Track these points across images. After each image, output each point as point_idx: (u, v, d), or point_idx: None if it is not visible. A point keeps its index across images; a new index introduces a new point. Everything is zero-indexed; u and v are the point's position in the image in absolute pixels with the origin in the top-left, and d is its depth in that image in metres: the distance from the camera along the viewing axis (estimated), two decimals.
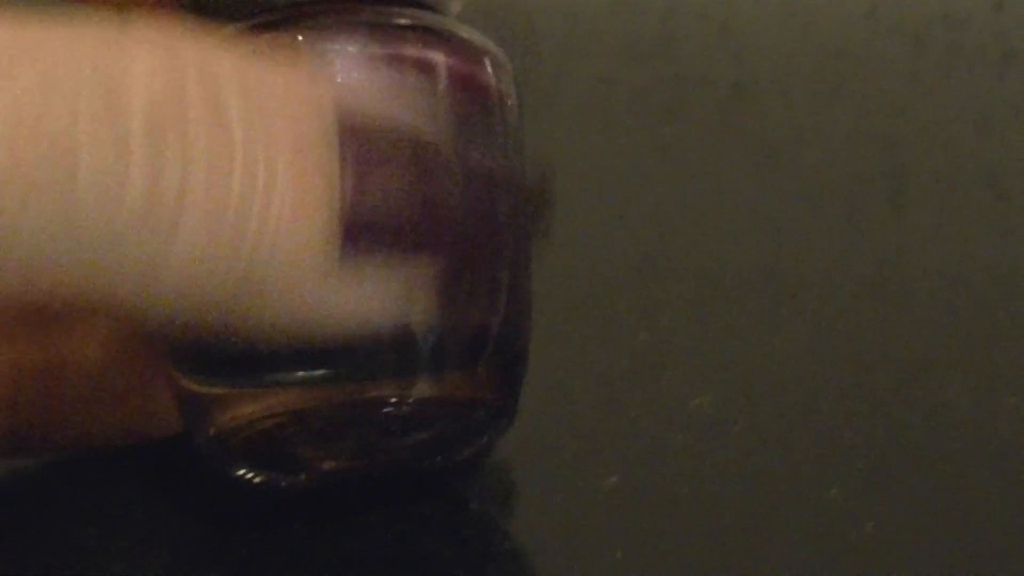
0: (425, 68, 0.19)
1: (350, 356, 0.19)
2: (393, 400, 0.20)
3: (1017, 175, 0.35)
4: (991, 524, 0.23)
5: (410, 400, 0.20)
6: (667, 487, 0.24)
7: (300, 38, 0.19)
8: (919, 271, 0.31)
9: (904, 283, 0.30)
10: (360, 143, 0.16)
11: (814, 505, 0.24)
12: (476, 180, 0.20)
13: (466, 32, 0.21)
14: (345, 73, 0.18)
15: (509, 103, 0.21)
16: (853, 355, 0.28)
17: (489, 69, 0.21)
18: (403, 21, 0.20)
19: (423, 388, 0.20)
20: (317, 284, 0.15)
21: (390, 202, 0.17)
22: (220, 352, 0.19)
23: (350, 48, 0.19)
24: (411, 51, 0.19)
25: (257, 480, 0.22)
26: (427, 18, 0.20)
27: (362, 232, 0.16)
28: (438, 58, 0.20)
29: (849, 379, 0.27)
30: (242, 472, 0.21)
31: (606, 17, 0.41)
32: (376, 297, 0.16)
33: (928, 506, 0.24)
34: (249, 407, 0.20)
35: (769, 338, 0.28)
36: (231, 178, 0.14)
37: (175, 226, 0.14)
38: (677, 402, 0.26)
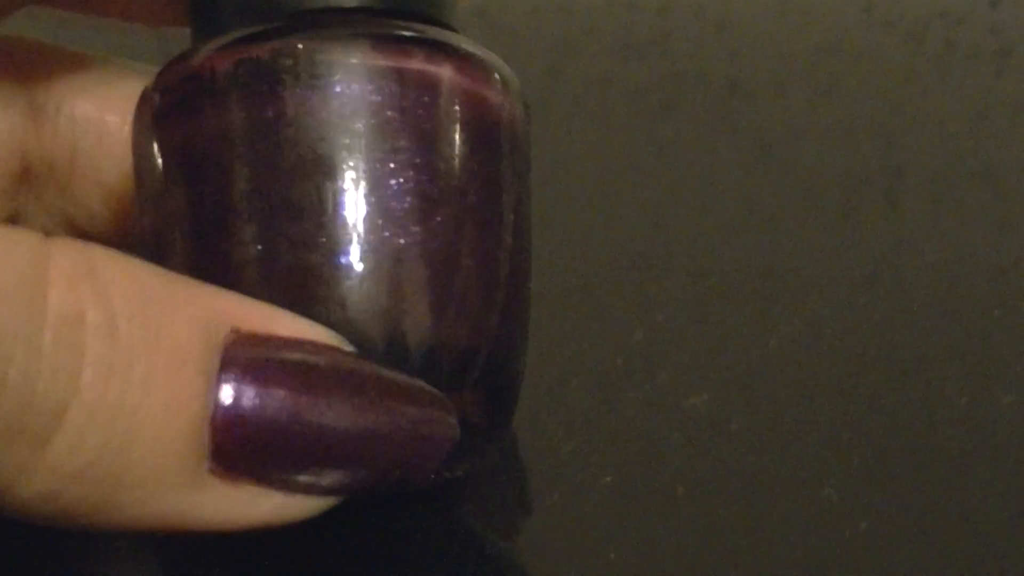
0: (429, 82, 0.19)
1: None
2: None
3: (1013, 171, 0.35)
4: (985, 523, 0.23)
5: None
6: (662, 486, 0.24)
7: (300, 47, 0.19)
8: (915, 268, 0.31)
9: (900, 280, 0.30)
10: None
11: (808, 504, 0.24)
12: (478, 199, 0.19)
13: (473, 47, 0.20)
14: (345, 85, 0.18)
15: (516, 120, 0.20)
16: (848, 353, 0.28)
17: (497, 85, 0.20)
18: (408, 34, 0.19)
19: None
20: (184, 489, 0.16)
21: (272, 419, 0.17)
22: None
23: (352, 60, 0.19)
24: (415, 64, 0.19)
25: None
26: (433, 32, 0.20)
27: (233, 448, 0.16)
28: (443, 72, 0.19)
29: (844, 377, 0.27)
30: None
31: (602, 15, 0.41)
32: (250, 506, 0.16)
33: (922, 505, 0.24)
34: None
35: (764, 336, 0.28)
36: (110, 379, 0.15)
37: (59, 419, 0.15)
38: (672, 401, 0.26)
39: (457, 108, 0.19)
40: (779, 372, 0.27)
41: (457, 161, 0.19)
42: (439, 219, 0.18)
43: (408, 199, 0.18)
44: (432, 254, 0.18)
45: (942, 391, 0.26)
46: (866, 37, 0.40)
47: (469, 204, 0.19)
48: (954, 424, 0.26)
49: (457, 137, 0.19)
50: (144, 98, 0.20)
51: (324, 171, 0.18)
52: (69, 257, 0.15)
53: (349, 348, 0.17)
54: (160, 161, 0.19)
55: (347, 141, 0.18)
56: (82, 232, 0.22)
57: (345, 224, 0.18)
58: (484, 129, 0.19)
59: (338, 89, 0.18)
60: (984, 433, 0.25)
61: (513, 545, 0.23)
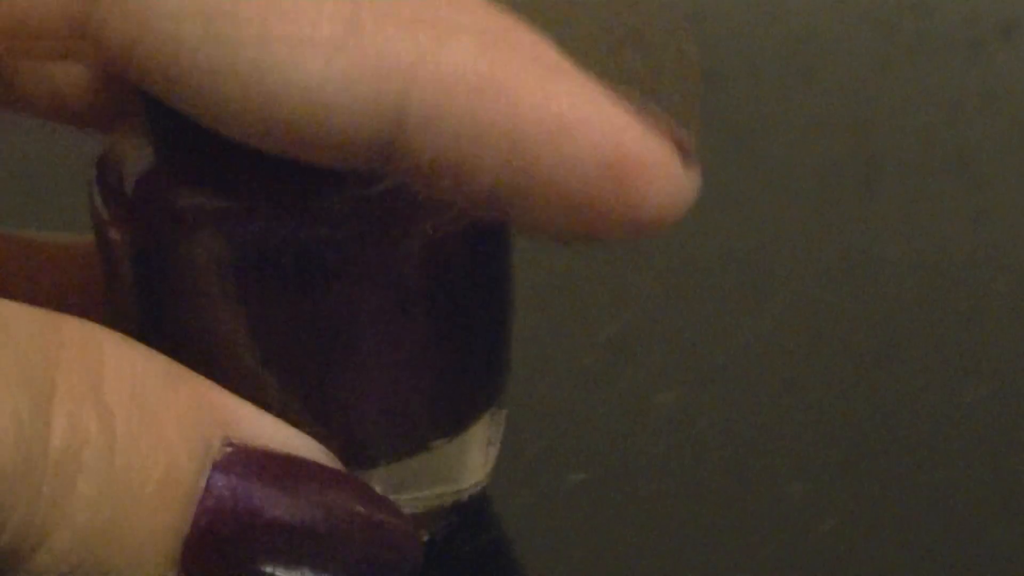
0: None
1: None
2: None
3: (987, 161, 0.35)
4: (953, 521, 0.23)
5: None
6: (632, 483, 0.24)
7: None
8: (889, 260, 0.31)
9: (872, 273, 0.30)
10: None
11: (776, 500, 0.24)
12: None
13: None
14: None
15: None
16: (818, 349, 0.28)
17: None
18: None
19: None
20: None
21: (249, 539, 0.17)
22: None
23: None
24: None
25: None
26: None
27: (205, 561, 0.16)
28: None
29: (814, 374, 0.27)
30: None
31: (576, 7, 0.41)
32: None
33: (889, 502, 0.24)
34: None
35: (735, 332, 0.28)
36: (101, 508, 0.15)
37: (44, 539, 0.15)
38: (642, 397, 0.26)
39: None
40: (749, 368, 0.27)
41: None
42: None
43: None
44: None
45: (913, 385, 0.26)
46: (839, 27, 0.40)
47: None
48: (924, 419, 0.26)
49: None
50: (105, 185, 0.20)
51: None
52: (77, 364, 0.15)
53: (334, 463, 0.18)
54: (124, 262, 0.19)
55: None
56: None
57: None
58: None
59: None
60: (954, 428, 0.25)
61: (484, 543, 0.23)
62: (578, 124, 0.16)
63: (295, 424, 0.18)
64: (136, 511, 0.15)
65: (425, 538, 0.21)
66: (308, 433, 0.18)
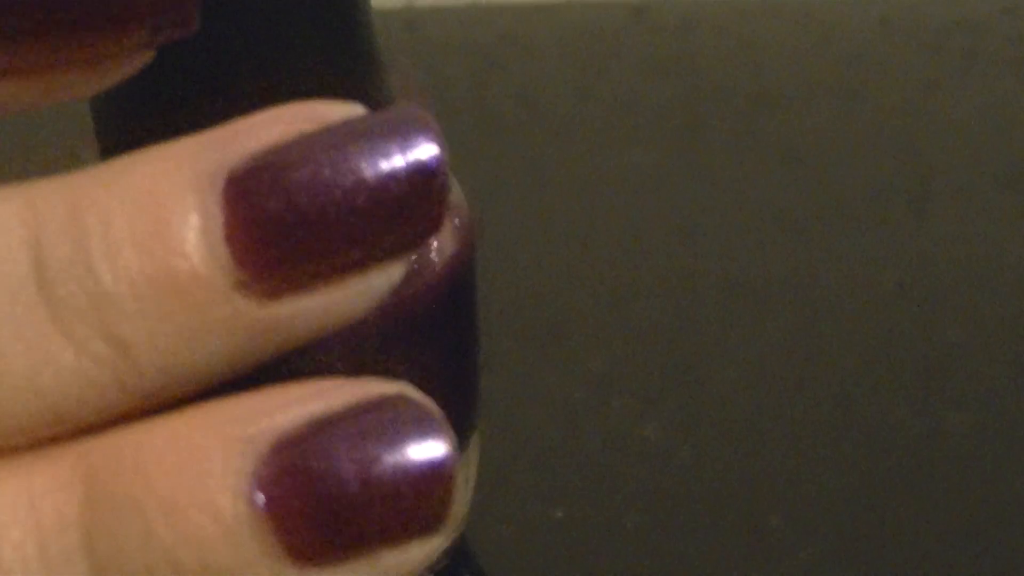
0: None
1: None
2: None
3: None
4: (928, 553, 0.23)
5: None
6: (612, 519, 0.24)
7: None
8: (855, 294, 0.30)
9: (851, 304, 0.30)
10: None
11: (754, 533, 0.24)
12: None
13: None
14: None
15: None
16: (795, 383, 0.28)
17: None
18: None
19: None
20: None
21: None
22: None
23: None
24: None
25: None
26: None
27: None
28: None
29: (791, 407, 0.27)
30: None
31: (628, 36, 0.42)
32: None
33: (865, 535, 0.24)
34: None
35: (717, 367, 0.28)
36: None
37: None
38: (624, 431, 0.26)
39: None
40: (728, 402, 0.27)
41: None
42: None
43: None
44: None
45: (890, 418, 0.27)
46: (886, 49, 0.40)
47: None
48: (901, 452, 0.26)
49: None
50: None
51: None
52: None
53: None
54: None
55: None
56: None
57: None
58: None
59: None
60: (931, 460, 0.25)
61: None
62: None
63: None
64: None
65: None
66: None
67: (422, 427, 0.15)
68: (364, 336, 0.19)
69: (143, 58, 0.16)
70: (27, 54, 0.15)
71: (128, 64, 0.16)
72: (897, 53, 0.39)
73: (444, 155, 0.16)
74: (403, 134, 0.15)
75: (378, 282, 0.15)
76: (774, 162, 0.36)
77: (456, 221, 0.21)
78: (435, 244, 0.20)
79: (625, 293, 0.30)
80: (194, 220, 0.14)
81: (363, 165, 0.15)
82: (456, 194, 0.21)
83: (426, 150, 0.15)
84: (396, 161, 0.15)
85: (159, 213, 0.14)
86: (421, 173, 0.15)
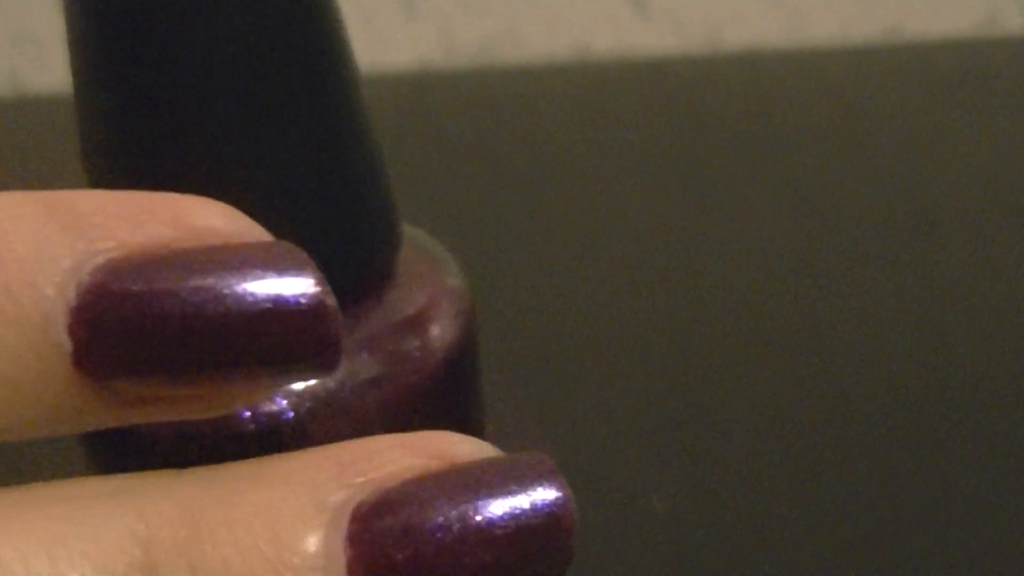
0: None
1: None
2: None
3: None
4: None
5: None
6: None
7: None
8: (866, 339, 0.30)
9: (862, 348, 0.30)
10: None
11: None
12: None
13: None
14: None
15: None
16: (798, 454, 0.28)
17: None
18: None
19: None
20: None
21: None
22: None
23: None
24: None
25: None
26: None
27: None
28: None
29: (794, 480, 0.27)
30: None
31: (636, 82, 0.42)
32: None
33: None
34: None
35: (721, 433, 0.28)
36: None
37: None
38: (628, 500, 0.26)
39: None
40: (735, 470, 0.27)
41: None
42: None
43: None
44: None
45: (894, 483, 0.26)
46: (893, 91, 0.40)
47: None
48: (920, 503, 0.26)
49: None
50: None
51: None
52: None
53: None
54: None
55: None
56: None
57: None
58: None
59: None
60: (948, 511, 0.25)
61: None
62: None
63: None
64: None
65: None
66: None
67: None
68: (368, 423, 0.19)
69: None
70: (169, 389, 0.14)
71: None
72: (905, 94, 0.39)
73: (574, 506, 0.15)
74: (532, 485, 0.15)
75: None
76: (785, 206, 0.36)
77: (456, 307, 0.21)
78: (436, 332, 0.20)
79: (635, 343, 0.31)
80: (317, 562, 0.14)
81: (495, 520, 0.15)
82: (455, 278, 0.21)
83: (556, 504, 0.15)
84: (527, 518, 0.15)
85: (280, 554, 0.14)
86: (552, 530, 0.15)
